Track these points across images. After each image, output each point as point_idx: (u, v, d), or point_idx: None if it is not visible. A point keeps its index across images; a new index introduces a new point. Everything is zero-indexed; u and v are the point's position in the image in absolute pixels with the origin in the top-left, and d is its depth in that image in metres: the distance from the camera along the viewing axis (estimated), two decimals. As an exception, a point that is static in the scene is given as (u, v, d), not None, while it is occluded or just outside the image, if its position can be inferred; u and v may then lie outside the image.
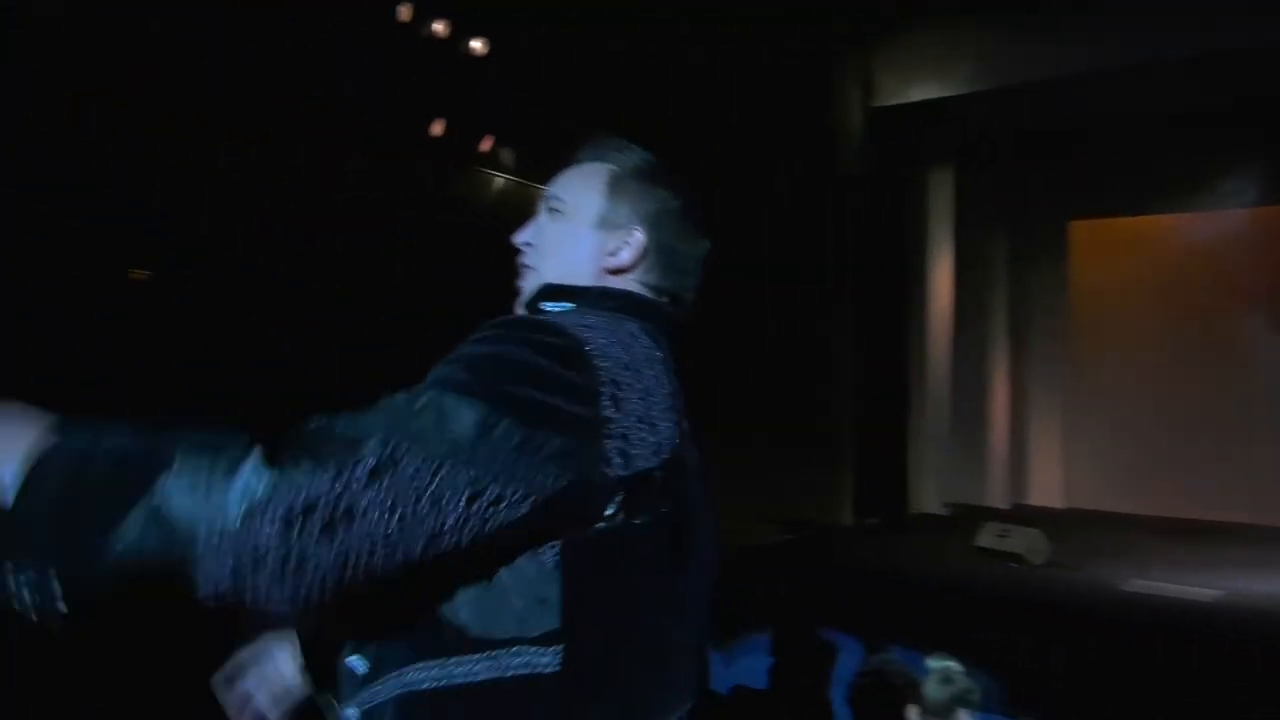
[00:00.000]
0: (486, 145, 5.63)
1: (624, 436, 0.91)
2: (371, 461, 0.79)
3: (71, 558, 0.79)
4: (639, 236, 1.11)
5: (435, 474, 0.81)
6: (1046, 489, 9.14)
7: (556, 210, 1.14)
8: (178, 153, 4.21)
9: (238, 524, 0.77)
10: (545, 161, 1.30)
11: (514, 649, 0.90)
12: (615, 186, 1.12)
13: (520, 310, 1.13)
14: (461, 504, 0.82)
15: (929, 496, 8.60)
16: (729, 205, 6.96)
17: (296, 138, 4.59)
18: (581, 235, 1.11)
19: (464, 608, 0.91)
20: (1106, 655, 3.99)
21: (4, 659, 2.71)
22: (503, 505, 0.83)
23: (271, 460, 0.80)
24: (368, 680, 0.97)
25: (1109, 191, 8.56)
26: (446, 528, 0.82)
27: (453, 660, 0.91)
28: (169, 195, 4.20)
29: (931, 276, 8.64)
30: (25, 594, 0.79)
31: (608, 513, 0.91)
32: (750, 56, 6.57)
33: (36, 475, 0.81)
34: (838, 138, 7.83)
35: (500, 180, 5.79)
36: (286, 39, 4.43)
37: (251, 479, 0.78)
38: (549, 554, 0.90)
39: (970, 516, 7.60)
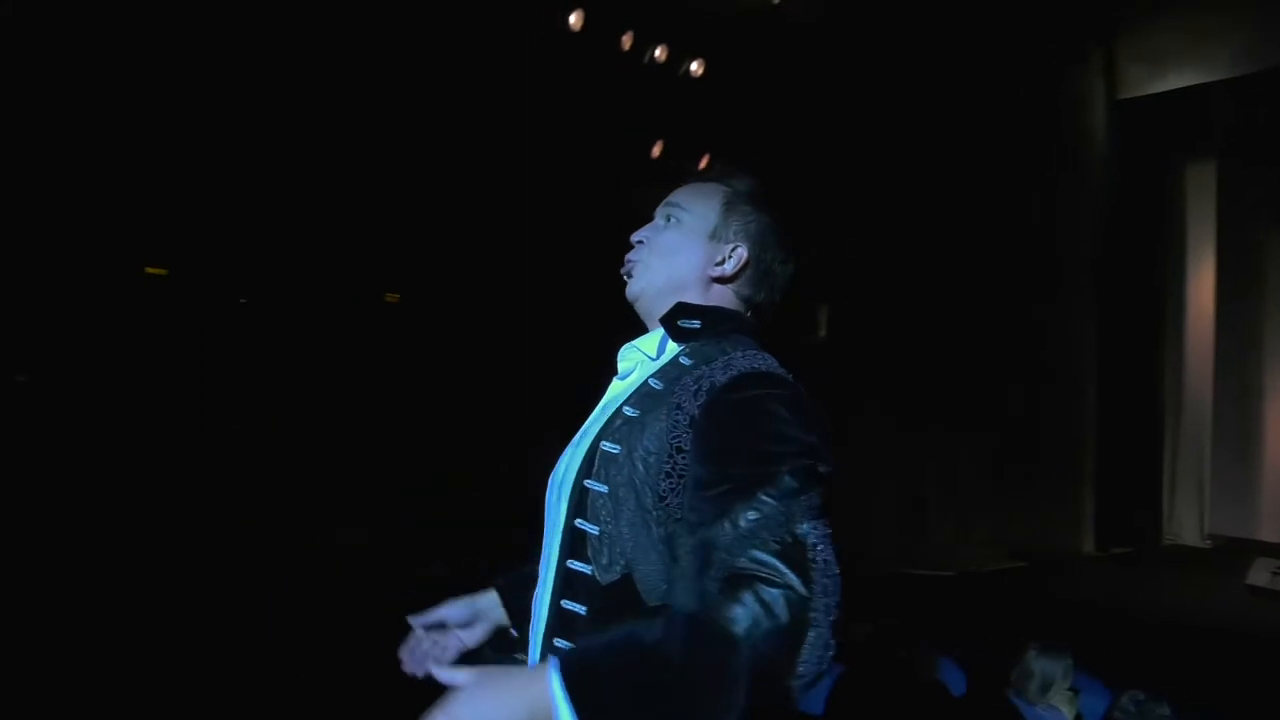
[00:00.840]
0: (704, 164, 5.73)
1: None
2: (820, 549, 0.96)
3: None
4: (742, 252, 1.24)
5: (825, 530, 0.98)
6: (1334, 522, 8.03)
7: (675, 219, 1.27)
8: (424, 195, 4.62)
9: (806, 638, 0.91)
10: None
11: None
12: (729, 205, 1.26)
13: (649, 304, 1.25)
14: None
15: (1186, 526, 7.84)
16: (966, 210, 6.69)
17: (525, 165, 4.88)
18: (694, 244, 1.24)
19: None
20: None
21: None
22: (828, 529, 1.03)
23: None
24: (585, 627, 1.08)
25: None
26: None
27: None
28: (414, 228, 4.61)
29: (1190, 280, 7.90)
30: None
31: None
32: (985, 56, 6.28)
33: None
34: (1080, 134, 7.31)
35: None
36: (519, 70, 4.74)
37: (790, 609, 0.91)
38: None
39: (1237, 550, 6.87)
